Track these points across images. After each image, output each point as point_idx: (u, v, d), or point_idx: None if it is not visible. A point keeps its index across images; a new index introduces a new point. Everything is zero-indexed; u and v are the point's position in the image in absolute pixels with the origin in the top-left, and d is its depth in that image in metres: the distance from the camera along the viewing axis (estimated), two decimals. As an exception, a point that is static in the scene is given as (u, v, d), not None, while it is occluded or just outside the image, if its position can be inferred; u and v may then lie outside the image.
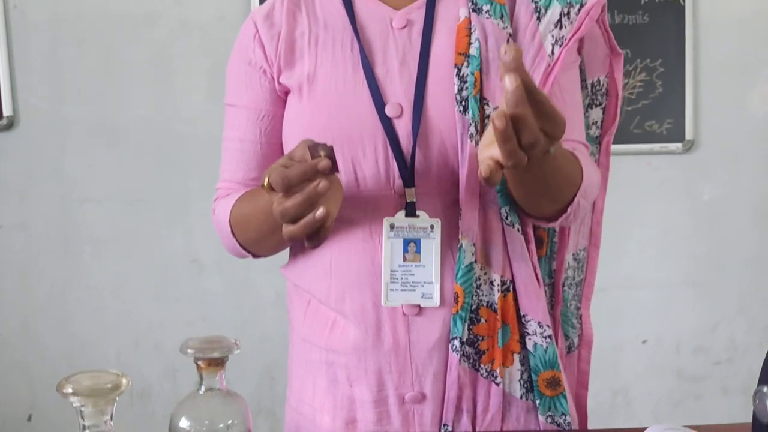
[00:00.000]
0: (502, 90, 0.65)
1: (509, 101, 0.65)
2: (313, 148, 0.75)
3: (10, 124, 2.23)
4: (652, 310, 2.22)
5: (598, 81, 1.01)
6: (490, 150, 0.70)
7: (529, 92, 0.65)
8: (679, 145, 2.15)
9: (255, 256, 1.00)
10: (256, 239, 0.95)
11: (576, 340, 1.04)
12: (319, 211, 0.72)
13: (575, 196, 0.86)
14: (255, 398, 2.24)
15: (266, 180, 0.74)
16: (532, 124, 0.66)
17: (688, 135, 2.15)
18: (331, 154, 0.74)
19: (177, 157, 2.25)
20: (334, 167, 0.74)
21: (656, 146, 2.16)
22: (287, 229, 0.74)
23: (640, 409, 2.23)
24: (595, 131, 1.03)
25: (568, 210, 0.87)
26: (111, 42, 2.23)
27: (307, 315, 0.95)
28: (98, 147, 2.25)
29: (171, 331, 2.28)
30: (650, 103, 2.15)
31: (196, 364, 0.73)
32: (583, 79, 1.00)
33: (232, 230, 0.96)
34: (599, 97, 1.02)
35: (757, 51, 2.15)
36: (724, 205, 2.18)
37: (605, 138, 1.03)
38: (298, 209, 0.72)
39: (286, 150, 0.96)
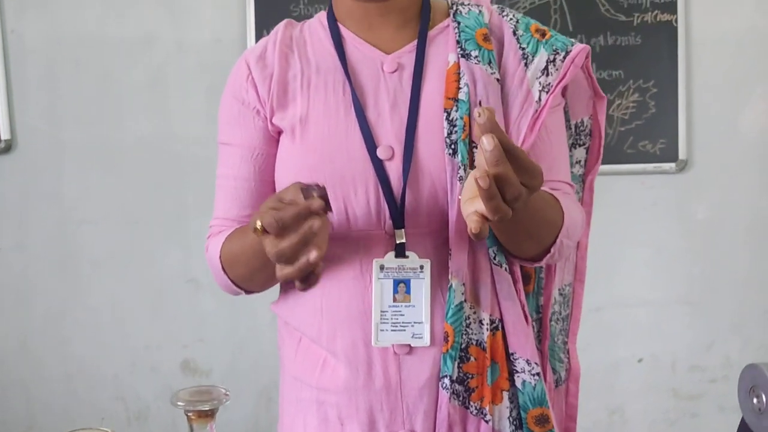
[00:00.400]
0: (480, 149, 0.68)
1: (489, 161, 0.67)
2: (306, 189, 0.76)
3: (8, 148, 2.25)
4: (648, 328, 2.23)
5: (582, 122, 1.04)
6: (473, 204, 0.72)
7: (506, 149, 0.68)
8: (673, 164, 2.17)
9: (247, 292, 1.01)
10: (246, 276, 0.96)
11: (564, 374, 1.05)
12: (313, 255, 0.73)
13: (557, 236, 0.88)
14: (252, 419, 2.25)
15: (258, 223, 0.74)
16: (514, 180, 0.69)
17: (681, 155, 2.16)
18: (324, 195, 0.76)
19: (173, 178, 2.26)
20: (327, 207, 0.75)
21: (649, 166, 2.17)
22: (282, 271, 0.75)
23: (637, 428, 2.24)
24: (578, 170, 1.05)
25: (552, 250, 0.89)
26: (108, 64, 2.25)
27: (298, 353, 0.96)
28: (95, 168, 2.27)
29: (168, 351, 2.29)
30: (643, 124, 2.17)
31: (187, 415, 0.74)
32: (567, 120, 1.02)
33: (223, 267, 0.96)
34: (583, 137, 1.04)
35: (748, 71, 2.17)
36: (718, 224, 2.20)
37: (588, 176, 1.06)
38: (293, 250, 0.73)
39: (280, 187, 0.97)
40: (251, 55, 1.00)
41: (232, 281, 0.98)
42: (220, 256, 0.96)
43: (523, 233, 0.87)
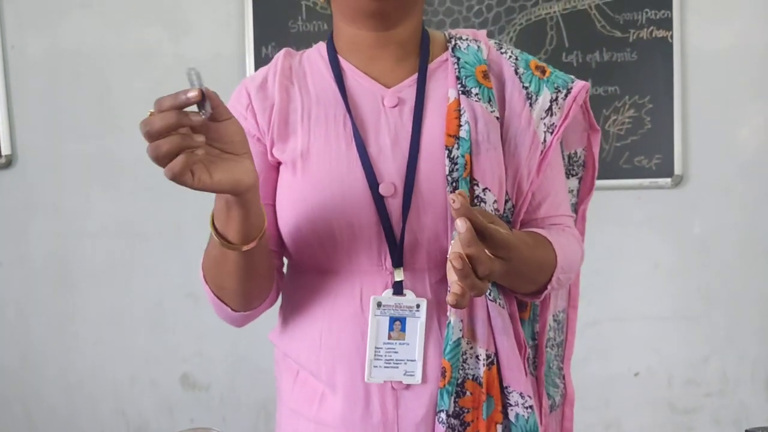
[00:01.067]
0: (455, 227, 0.74)
1: (462, 242, 0.74)
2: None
3: (9, 162, 2.27)
4: (644, 343, 2.24)
5: (576, 153, 1.05)
6: (452, 275, 0.77)
7: (479, 230, 0.74)
8: (668, 180, 2.18)
9: (233, 309, 0.96)
10: (218, 276, 0.92)
11: (558, 399, 1.07)
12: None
13: (552, 276, 0.91)
14: (251, 433, 2.27)
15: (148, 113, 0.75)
16: (485, 259, 0.75)
17: (677, 170, 2.17)
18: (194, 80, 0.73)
19: (173, 192, 2.24)
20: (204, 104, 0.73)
21: (645, 181, 2.19)
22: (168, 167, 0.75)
23: (633, 441, 2.25)
24: (571, 199, 1.07)
25: (548, 287, 0.92)
26: (108, 79, 2.27)
27: (296, 386, 0.97)
28: (95, 182, 2.28)
29: (167, 365, 2.30)
30: (639, 139, 2.18)
31: (184, 458, 0.75)
32: (560, 151, 1.04)
33: (204, 278, 0.94)
34: (576, 168, 1.06)
35: (744, 86, 2.18)
36: (714, 239, 2.21)
37: (581, 206, 1.08)
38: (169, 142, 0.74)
39: (281, 220, 0.96)
40: (251, 84, 0.99)
41: (214, 293, 0.94)
42: (202, 267, 0.94)
43: (516, 280, 0.90)
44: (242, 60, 2.22)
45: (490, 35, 2.18)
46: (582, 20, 2.17)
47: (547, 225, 0.98)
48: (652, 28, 2.17)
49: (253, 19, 2.21)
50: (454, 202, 0.72)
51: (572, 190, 1.06)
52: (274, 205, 0.97)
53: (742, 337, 2.22)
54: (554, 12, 2.18)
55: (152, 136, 0.74)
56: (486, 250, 0.76)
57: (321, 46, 1.02)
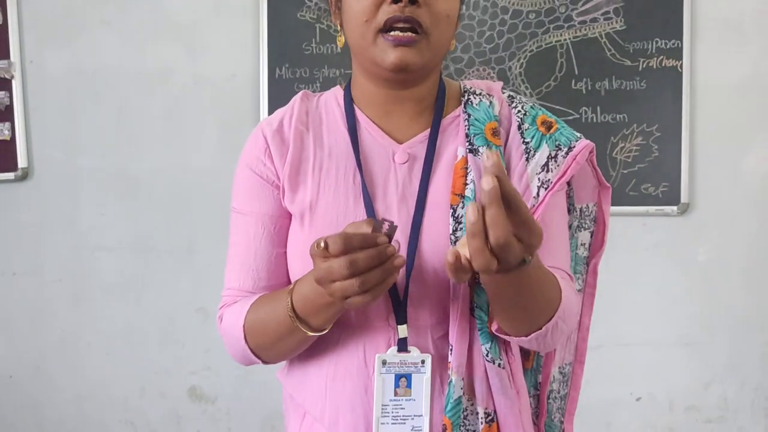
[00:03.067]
0: (480, 191, 0.69)
1: (484, 200, 0.68)
2: (378, 224, 0.78)
3: (25, 175, 2.31)
4: (646, 368, 2.26)
5: (587, 207, 1.05)
6: (463, 249, 0.75)
7: (506, 196, 0.69)
8: (675, 208, 2.20)
9: (264, 362, 0.99)
10: (271, 343, 0.95)
11: None
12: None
13: (554, 316, 0.88)
14: (257, 446, 2.31)
15: (321, 243, 0.78)
16: (504, 225, 0.69)
17: (684, 198, 2.20)
18: (391, 233, 0.78)
19: (186, 209, 2.32)
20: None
21: (652, 208, 2.21)
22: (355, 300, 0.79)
23: (633, 465, 2.28)
24: (583, 252, 1.07)
25: (544, 329, 0.88)
26: (125, 96, 2.31)
27: (302, 428, 0.99)
28: (110, 197, 2.33)
29: (176, 378, 2.34)
30: (646, 167, 2.20)
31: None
32: (571, 204, 1.04)
33: (245, 335, 0.95)
34: (588, 222, 1.06)
35: (752, 117, 2.20)
36: (718, 267, 2.23)
37: (593, 260, 1.08)
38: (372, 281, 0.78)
39: (290, 270, 0.98)
40: (268, 128, 1.00)
41: (251, 350, 0.96)
42: (243, 325, 0.95)
43: (520, 304, 0.86)
44: (257, 80, 2.26)
45: (500, 61, 2.24)
46: (592, 48, 2.20)
47: None
48: (661, 57, 2.19)
49: (267, 41, 2.24)
50: (488, 158, 0.67)
51: (584, 244, 1.06)
52: (286, 252, 0.99)
53: (743, 365, 2.24)
54: (565, 40, 2.21)
55: (356, 273, 0.78)
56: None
57: (338, 93, 1.04)
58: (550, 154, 0.96)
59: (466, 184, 0.93)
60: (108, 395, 2.36)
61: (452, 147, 0.97)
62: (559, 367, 1.06)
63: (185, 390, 2.35)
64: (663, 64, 2.19)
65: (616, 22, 2.19)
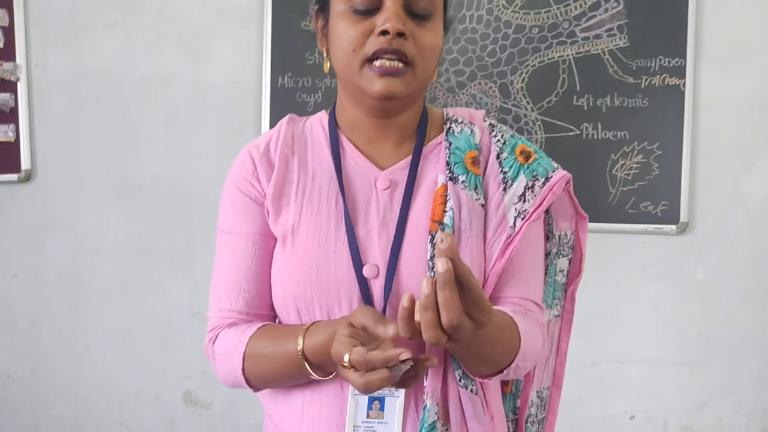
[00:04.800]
0: (435, 267, 0.71)
1: (438, 282, 0.71)
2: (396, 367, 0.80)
3: (28, 177, 2.33)
4: (641, 386, 2.25)
5: (565, 234, 1.07)
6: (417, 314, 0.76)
7: (459, 278, 0.71)
8: (674, 226, 2.19)
9: (254, 389, 1.00)
10: (272, 379, 0.96)
11: None
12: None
13: (513, 360, 0.91)
14: (249, 453, 2.32)
15: (346, 359, 0.80)
16: (456, 307, 0.71)
17: (683, 217, 2.18)
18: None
19: (185, 214, 2.33)
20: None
21: (650, 227, 2.20)
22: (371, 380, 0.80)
23: (625, 483, 2.27)
24: (561, 278, 1.08)
25: (504, 372, 0.92)
26: (128, 101, 2.33)
27: (281, 448, 1.01)
28: (111, 201, 2.35)
29: (172, 382, 2.36)
30: (646, 185, 2.19)
31: None
32: (550, 231, 1.05)
33: (243, 365, 0.95)
34: (566, 249, 1.07)
35: (754, 137, 2.19)
36: (716, 287, 2.22)
37: (570, 287, 1.09)
38: (383, 383, 0.80)
39: (272, 291, 0.99)
40: (255, 150, 1.02)
41: (246, 378, 0.97)
42: (244, 354, 0.95)
43: (476, 358, 0.89)
44: (259, 88, 2.27)
45: (501, 75, 2.24)
46: (595, 64, 2.19)
47: (510, 304, 0.97)
48: (664, 75, 2.18)
49: (271, 50, 2.25)
50: (441, 241, 0.70)
51: (563, 270, 1.08)
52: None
53: (739, 386, 2.23)
54: (567, 55, 2.20)
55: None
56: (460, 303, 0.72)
57: (323, 117, 1.05)
58: (527, 185, 0.97)
59: (445, 212, 0.95)
60: (104, 397, 2.38)
61: (433, 174, 0.98)
62: (537, 392, 1.07)
63: (180, 394, 2.37)
64: (666, 83, 2.18)
65: (620, 39, 2.18)
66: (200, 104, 2.31)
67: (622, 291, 2.24)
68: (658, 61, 2.18)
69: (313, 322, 0.93)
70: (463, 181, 0.96)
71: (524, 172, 0.98)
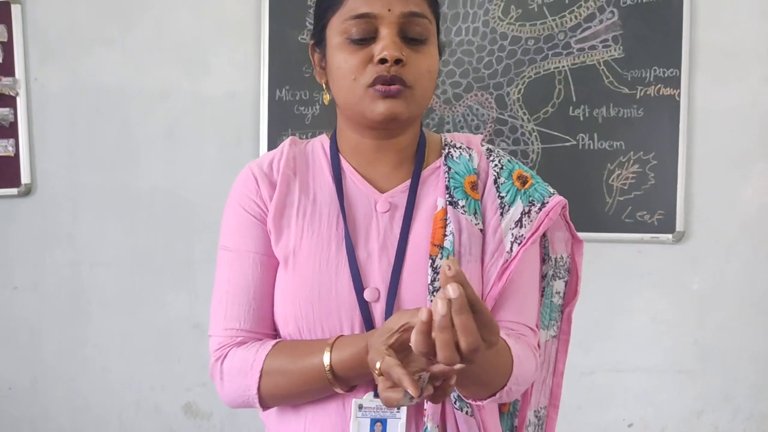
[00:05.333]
0: (445, 293, 0.69)
1: (453, 308, 0.70)
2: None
3: (28, 191, 2.34)
4: (639, 394, 2.27)
5: (561, 257, 1.08)
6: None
7: (470, 302, 0.70)
8: (670, 236, 2.20)
9: (264, 407, 0.99)
10: (290, 395, 0.96)
11: None
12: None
13: (506, 384, 0.92)
14: (250, 464, 2.33)
15: (378, 366, 0.79)
16: (474, 332, 0.70)
17: (679, 227, 2.20)
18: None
19: (184, 226, 2.34)
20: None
21: (647, 236, 2.21)
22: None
23: (624, 491, 2.28)
24: (558, 300, 1.09)
25: (497, 395, 0.92)
26: (126, 114, 2.34)
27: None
28: (110, 213, 2.36)
29: (171, 393, 2.37)
30: (642, 194, 2.21)
31: None
32: (546, 254, 1.07)
33: (259, 385, 0.95)
34: (562, 272, 1.08)
35: (749, 147, 2.20)
36: (713, 296, 2.23)
37: (566, 308, 1.10)
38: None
39: (275, 312, 0.99)
40: (258, 170, 1.02)
41: (260, 396, 0.96)
42: (261, 371, 0.94)
43: (472, 381, 0.89)
44: (257, 101, 2.29)
45: (498, 87, 2.26)
46: (590, 75, 2.21)
47: (506, 329, 0.98)
48: (659, 85, 2.19)
49: (268, 63, 2.27)
50: (449, 268, 0.70)
51: (559, 292, 1.09)
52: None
53: (736, 394, 2.24)
54: (563, 66, 2.22)
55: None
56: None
57: (324, 141, 1.06)
58: (524, 210, 0.99)
59: (445, 236, 0.96)
60: (104, 409, 2.39)
61: (432, 198, 1.00)
62: (535, 411, 1.09)
63: (180, 406, 2.38)
64: (661, 93, 2.20)
65: (615, 50, 2.20)
66: (198, 117, 2.33)
67: (619, 300, 2.25)
68: (653, 71, 2.19)
69: (338, 337, 0.93)
70: (462, 206, 0.98)
71: (521, 198, 0.99)
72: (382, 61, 0.92)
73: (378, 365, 0.79)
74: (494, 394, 0.92)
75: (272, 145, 2.28)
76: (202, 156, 2.32)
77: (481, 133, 2.25)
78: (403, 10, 0.93)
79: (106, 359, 2.39)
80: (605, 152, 2.22)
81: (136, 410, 2.38)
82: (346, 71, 0.94)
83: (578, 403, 2.26)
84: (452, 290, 0.69)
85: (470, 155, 1.03)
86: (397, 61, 0.92)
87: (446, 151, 1.03)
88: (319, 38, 1.00)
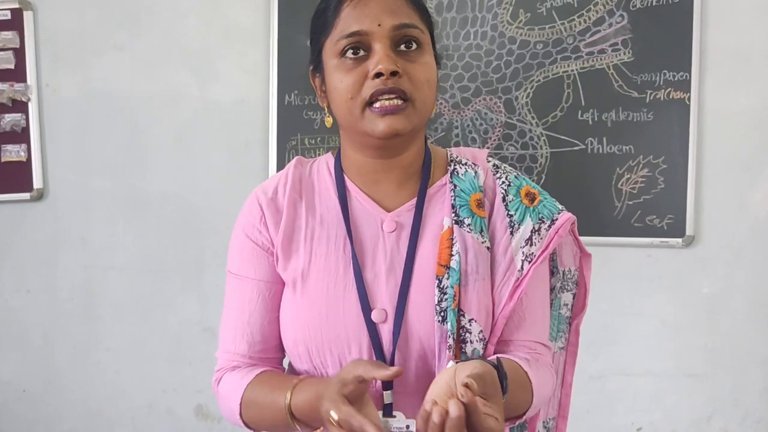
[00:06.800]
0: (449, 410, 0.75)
1: (449, 426, 0.75)
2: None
3: (40, 196, 2.37)
4: (648, 398, 2.27)
5: (570, 270, 1.08)
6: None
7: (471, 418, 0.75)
8: (680, 240, 2.20)
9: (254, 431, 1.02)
10: (266, 426, 0.98)
11: None
12: None
13: (525, 413, 0.94)
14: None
15: (334, 417, 0.81)
16: None
17: (689, 231, 2.19)
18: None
19: (194, 230, 2.36)
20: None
21: (656, 240, 2.21)
22: None
23: (633, 495, 2.29)
24: (566, 312, 1.10)
25: (511, 421, 0.95)
26: (136, 119, 2.35)
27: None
28: (121, 218, 2.38)
29: (183, 396, 2.39)
30: (652, 198, 2.20)
31: None
32: (555, 266, 1.07)
33: (241, 411, 0.98)
34: (570, 284, 1.09)
35: (759, 150, 2.19)
36: (722, 300, 2.22)
37: (575, 321, 1.11)
38: None
39: (282, 335, 1.01)
40: (263, 196, 1.03)
41: (245, 423, 0.99)
42: (241, 400, 0.98)
43: None
44: (266, 106, 2.29)
45: (506, 91, 2.25)
46: (599, 79, 2.20)
47: (521, 348, 0.99)
48: (669, 89, 2.18)
49: (277, 68, 2.28)
50: (462, 396, 0.74)
51: (567, 304, 1.09)
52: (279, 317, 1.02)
53: (745, 398, 2.24)
54: (572, 70, 2.21)
55: None
56: None
57: (329, 160, 1.07)
58: (533, 228, 0.99)
59: (452, 256, 0.96)
60: (117, 411, 2.42)
61: (438, 216, 1.00)
62: (544, 422, 1.09)
63: (192, 408, 2.40)
64: (671, 96, 2.18)
65: (624, 53, 2.19)
66: (208, 122, 2.34)
67: (629, 304, 2.25)
68: (662, 75, 2.18)
69: (303, 378, 0.95)
70: (468, 225, 0.98)
71: (530, 215, 0.99)
72: (378, 75, 0.92)
73: (334, 414, 0.81)
74: (514, 422, 0.95)
75: (281, 149, 2.29)
76: (212, 161, 2.34)
77: (490, 138, 2.25)
78: (394, 23, 0.93)
79: (118, 362, 2.41)
80: (614, 156, 2.21)
81: (148, 412, 2.41)
82: (342, 91, 0.94)
83: (587, 406, 2.26)
84: (453, 410, 0.74)
85: (476, 172, 1.02)
86: (394, 73, 0.92)
87: (452, 167, 1.03)
88: (317, 63, 1.00)
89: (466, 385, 0.74)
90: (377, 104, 0.93)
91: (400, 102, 0.93)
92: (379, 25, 0.93)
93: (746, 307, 2.22)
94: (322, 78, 1.00)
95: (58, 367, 2.43)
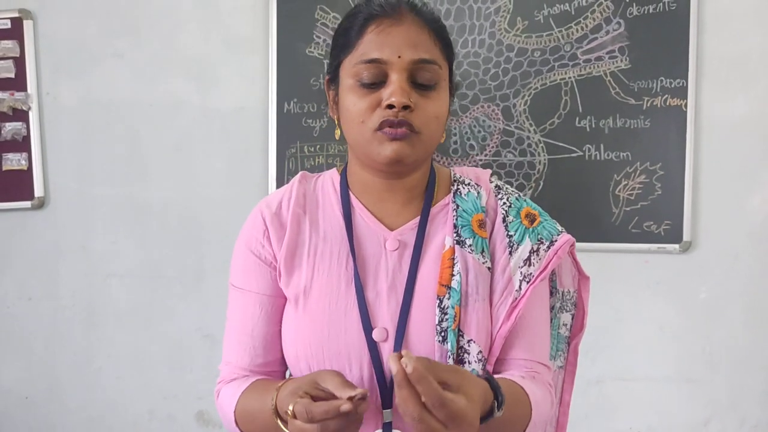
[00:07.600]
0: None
1: (412, 378, 0.75)
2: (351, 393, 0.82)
3: (41, 204, 2.38)
4: (646, 403, 2.28)
5: (569, 291, 1.10)
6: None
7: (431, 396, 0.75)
8: (677, 246, 2.21)
9: None
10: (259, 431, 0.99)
11: None
12: None
13: (526, 427, 0.94)
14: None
15: (290, 408, 0.82)
16: (414, 403, 0.75)
17: (686, 237, 2.21)
18: (361, 400, 0.81)
19: (194, 238, 2.37)
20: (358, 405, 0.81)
21: (654, 246, 2.22)
22: None
23: (631, 499, 2.30)
24: (564, 332, 1.11)
25: None
26: (137, 127, 2.36)
27: None
28: (122, 226, 2.39)
29: (184, 402, 2.40)
30: (649, 205, 2.22)
31: None
32: (554, 287, 1.08)
33: (236, 421, 1.00)
34: (569, 305, 1.10)
35: (756, 157, 2.21)
36: (720, 305, 2.24)
37: (573, 341, 1.12)
38: None
39: (284, 350, 1.02)
40: (267, 210, 1.04)
41: (240, 431, 1.00)
42: (234, 410, 0.99)
43: None
44: (265, 113, 2.30)
45: (504, 98, 2.27)
46: (597, 86, 2.21)
47: (517, 367, 1.00)
48: (666, 96, 2.20)
49: (277, 76, 2.28)
50: (406, 366, 0.74)
51: (566, 324, 1.11)
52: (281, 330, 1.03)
53: (743, 403, 2.25)
54: (569, 77, 2.22)
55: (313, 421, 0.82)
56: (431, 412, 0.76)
57: (335, 176, 1.08)
58: (532, 248, 1.00)
59: (453, 276, 0.97)
60: (118, 418, 2.43)
61: (440, 236, 1.01)
62: None
63: (193, 414, 2.41)
64: (668, 103, 2.20)
65: (621, 60, 2.20)
66: (208, 130, 2.35)
67: (627, 309, 2.27)
68: (659, 82, 2.20)
69: (288, 379, 0.95)
70: (470, 245, 0.99)
71: (529, 236, 1.00)
72: (390, 106, 0.93)
73: (290, 407, 0.82)
74: None
75: (281, 157, 2.30)
76: (212, 168, 2.35)
77: (488, 145, 2.26)
78: (413, 57, 0.94)
79: (120, 369, 2.42)
80: (612, 163, 2.23)
81: (149, 419, 2.42)
82: (354, 114, 0.96)
83: (585, 411, 2.27)
84: (408, 365, 0.75)
85: (478, 192, 1.04)
86: (405, 107, 0.93)
87: (455, 187, 1.04)
88: (333, 76, 1.02)
89: (407, 363, 0.75)
90: (386, 129, 0.95)
91: (407, 130, 0.95)
92: (399, 56, 0.94)
93: (743, 313, 2.23)
94: (336, 91, 1.01)
95: (60, 374, 2.44)
